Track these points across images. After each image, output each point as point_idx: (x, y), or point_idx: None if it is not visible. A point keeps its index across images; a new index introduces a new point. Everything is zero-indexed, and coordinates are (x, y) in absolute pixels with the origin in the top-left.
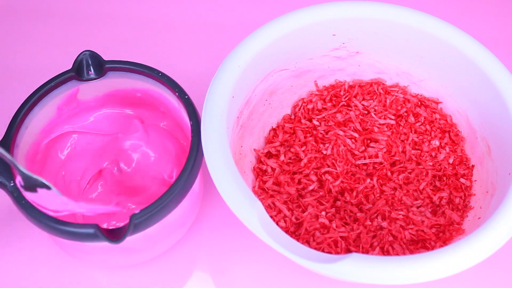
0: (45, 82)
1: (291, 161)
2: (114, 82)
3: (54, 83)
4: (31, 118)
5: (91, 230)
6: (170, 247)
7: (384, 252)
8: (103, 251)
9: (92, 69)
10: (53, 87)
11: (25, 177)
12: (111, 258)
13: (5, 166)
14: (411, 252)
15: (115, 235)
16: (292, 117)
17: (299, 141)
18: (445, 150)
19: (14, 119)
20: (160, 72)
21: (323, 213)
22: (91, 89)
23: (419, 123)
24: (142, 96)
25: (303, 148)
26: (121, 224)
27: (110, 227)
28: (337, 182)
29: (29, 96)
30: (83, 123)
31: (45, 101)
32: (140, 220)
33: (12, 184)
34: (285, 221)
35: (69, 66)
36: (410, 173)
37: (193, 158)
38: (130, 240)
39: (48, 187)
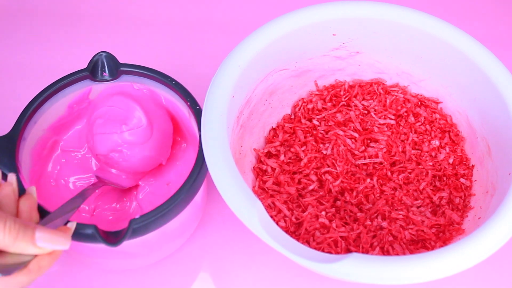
0: (58, 79)
1: (291, 161)
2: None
3: (67, 81)
4: (41, 113)
5: (89, 231)
6: (173, 251)
7: (384, 252)
8: (100, 254)
9: (107, 70)
10: (66, 84)
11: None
12: (108, 261)
13: (9, 158)
14: (411, 252)
15: (112, 238)
16: (292, 117)
17: (299, 141)
18: (445, 150)
19: (23, 113)
20: (174, 80)
21: (323, 213)
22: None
23: (419, 123)
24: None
25: (303, 148)
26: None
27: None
28: (337, 182)
29: (41, 91)
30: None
31: (56, 98)
32: (139, 226)
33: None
34: (285, 221)
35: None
36: (410, 173)
37: (198, 169)
38: (128, 244)
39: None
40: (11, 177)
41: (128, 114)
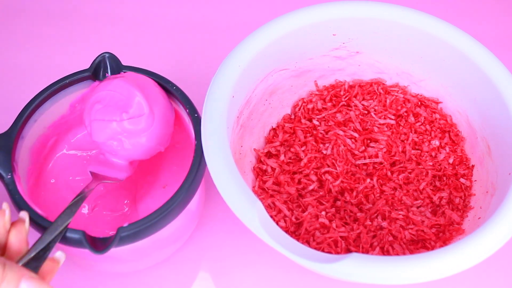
0: (60, 79)
1: (291, 161)
2: None
3: (69, 80)
4: (41, 112)
5: (76, 236)
6: (168, 256)
7: (384, 252)
8: (91, 256)
9: (109, 71)
10: (67, 84)
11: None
12: (100, 264)
13: (5, 157)
14: (411, 252)
15: (100, 244)
16: (292, 117)
17: (299, 141)
18: (445, 150)
19: (22, 111)
20: (174, 85)
21: (323, 213)
22: None
23: (419, 123)
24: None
25: (303, 148)
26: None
27: (96, 236)
28: (337, 182)
29: (41, 91)
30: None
31: (58, 97)
32: (127, 234)
33: (9, 177)
34: (285, 221)
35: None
36: (410, 173)
37: (192, 177)
38: (117, 251)
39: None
40: (5, 206)
41: (129, 101)
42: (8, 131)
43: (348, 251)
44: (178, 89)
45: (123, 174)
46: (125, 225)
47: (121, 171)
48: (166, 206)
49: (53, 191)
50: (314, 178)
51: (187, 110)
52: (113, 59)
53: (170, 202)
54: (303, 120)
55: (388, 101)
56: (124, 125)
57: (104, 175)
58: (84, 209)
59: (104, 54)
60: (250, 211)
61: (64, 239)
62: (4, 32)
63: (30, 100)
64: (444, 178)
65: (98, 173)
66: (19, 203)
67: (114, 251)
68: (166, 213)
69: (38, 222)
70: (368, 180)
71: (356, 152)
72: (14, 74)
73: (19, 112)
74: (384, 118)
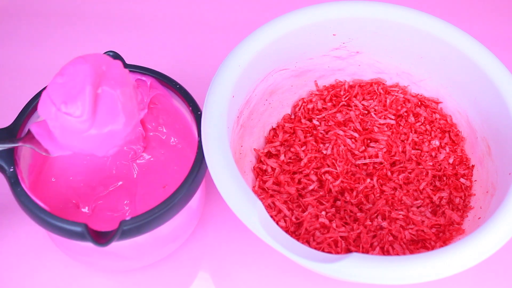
0: None
1: (291, 161)
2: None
3: None
4: None
5: (78, 229)
6: (168, 254)
7: (384, 252)
8: (91, 252)
9: None
10: None
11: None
12: (98, 260)
13: (8, 151)
14: (411, 252)
15: (102, 238)
16: (292, 116)
17: (299, 141)
18: (445, 150)
19: (26, 106)
20: (178, 84)
21: (323, 213)
22: None
23: (419, 123)
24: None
25: (303, 148)
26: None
27: (98, 230)
28: (337, 182)
29: (45, 87)
30: None
31: None
32: (130, 227)
33: (11, 170)
34: (285, 221)
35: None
36: (410, 173)
37: (194, 174)
38: (119, 246)
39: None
40: None
41: (76, 95)
42: (11, 125)
43: (348, 251)
44: (181, 87)
45: (58, 151)
46: (128, 218)
47: (58, 148)
48: (169, 200)
49: (54, 190)
50: (314, 178)
51: (190, 108)
52: (117, 57)
53: (173, 196)
54: (303, 120)
55: (388, 101)
56: (58, 115)
57: (40, 141)
58: (84, 209)
59: (109, 52)
60: (250, 211)
61: (67, 233)
62: (9, 30)
63: (35, 95)
64: (444, 178)
65: (35, 136)
66: (21, 196)
67: (115, 247)
68: (168, 208)
69: (39, 215)
70: (368, 180)
71: (356, 152)
72: (19, 71)
73: (23, 106)
74: (384, 118)
